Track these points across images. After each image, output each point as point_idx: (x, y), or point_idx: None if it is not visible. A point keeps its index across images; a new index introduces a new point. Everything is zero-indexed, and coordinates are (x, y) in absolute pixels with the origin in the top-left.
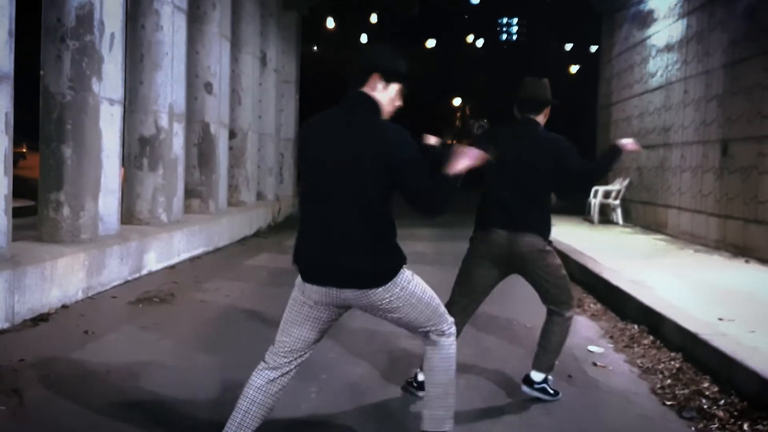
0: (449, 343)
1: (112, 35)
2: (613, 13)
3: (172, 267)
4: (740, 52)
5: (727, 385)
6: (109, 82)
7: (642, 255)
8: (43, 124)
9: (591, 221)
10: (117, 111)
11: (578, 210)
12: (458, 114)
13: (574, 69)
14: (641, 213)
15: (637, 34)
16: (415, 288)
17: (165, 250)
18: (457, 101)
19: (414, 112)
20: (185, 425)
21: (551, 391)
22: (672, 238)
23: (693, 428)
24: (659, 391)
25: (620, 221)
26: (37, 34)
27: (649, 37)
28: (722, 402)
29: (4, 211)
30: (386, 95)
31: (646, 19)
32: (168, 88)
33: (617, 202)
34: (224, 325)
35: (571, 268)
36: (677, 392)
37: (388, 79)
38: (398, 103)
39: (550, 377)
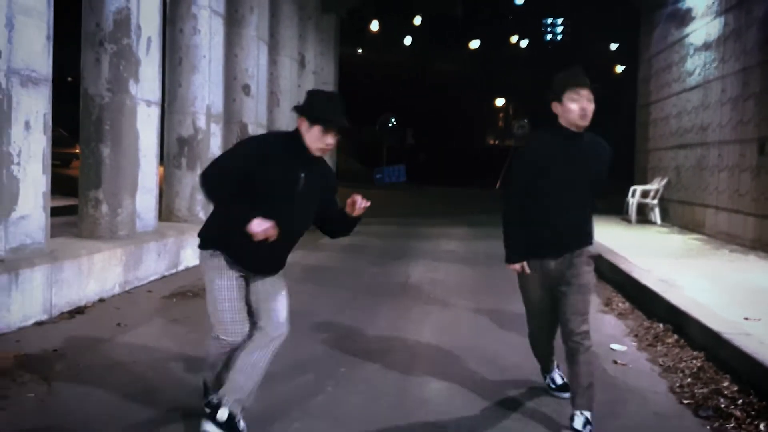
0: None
1: (149, 39)
2: (651, 11)
3: None
4: None
5: (746, 385)
6: (147, 84)
7: (675, 255)
8: (83, 124)
9: (629, 221)
10: (154, 112)
11: (617, 210)
12: (501, 114)
13: (619, 69)
14: (679, 212)
15: (674, 32)
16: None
17: None
18: (500, 101)
19: (457, 113)
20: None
21: None
22: (709, 237)
23: (708, 427)
24: (677, 390)
25: (658, 221)
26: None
27: (686, 35)
28: (740, 401)
29: (42, 208)
30: (308, 135)
31: (684, 17)
32: (205, 90)
33: (655, 201)
34: None
35: (602, 266)
36: (696, 391)
37: (311, 122)
38: (324, 142)
39: None
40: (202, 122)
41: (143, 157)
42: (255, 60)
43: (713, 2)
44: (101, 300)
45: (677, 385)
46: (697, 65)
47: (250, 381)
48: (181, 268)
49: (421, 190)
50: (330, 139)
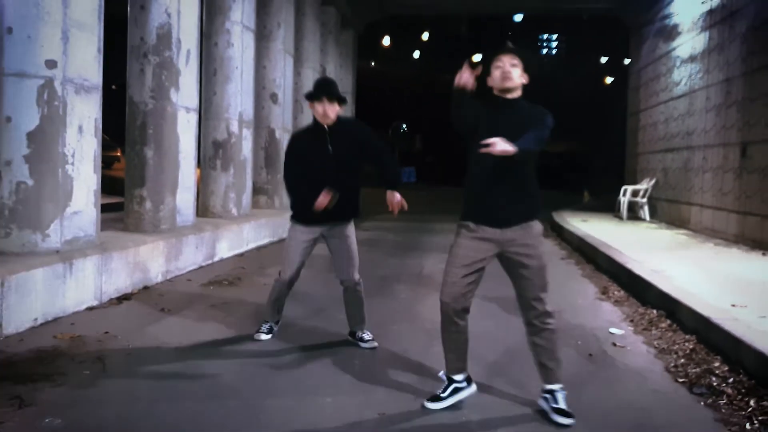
0: None
1: (188, 51)
2: (640, 27)
3: (240, 255)
4: (758, 61)
5: (736, 365)
6: (186, 92)
7: (665, 248)
8: (128, 129)
9: (620, 217)
10: (193, 118)
11: (609, 208)
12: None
13: (609, 80)
14: (666, 210)
15: (662, 46)
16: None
17: (235, 240)
18: None
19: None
20: (245, 391)
21: None
22: (694, 232)
23: (702, 403)
24: (672, 370)
25: (647, 217)
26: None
27: (673, 49)
28: (731, 380)
29: (93, 204)
30: (313, 112)
31: (671, 32)
32: (238, 98)
33: (644, 200)
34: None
35: (598, 258)
36: (689, 371)
37: (309, 101)
38: (321, 112)
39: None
40: (234, 127)
41: (183, 158)
42: (282, 71)
43: (698, 19)
44: (146, 287)
45: (672, 365)
46: (683, 76)
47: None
48: (216, 259)
49: (430, 190)
50: (323, 108)
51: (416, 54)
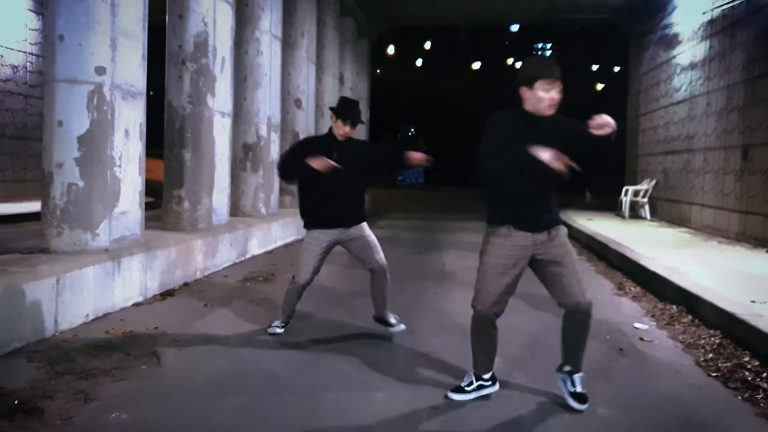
0: None
1: (223, 59)
2: (640, 37)
3: (270, 252)
4: (760, 68)
5: (766, 359)
6: (221, 98)
7: (672, 245)
8: (167, 132)
9: (622, 216)
10: (227, 122)
11: (609, 207)
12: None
13: (599, 87)
14: (666, 209)
15: (663, 54)
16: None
17: (264, 238)
18: None
19: (464, 124)
20: (299, 385)
21: None
22: (695, 231)
23: (740, 397)
24: (703, 364)
25: (648, 216)
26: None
27: (674, 57)
28: (765, 374)
29: (138, 204)
30: (334, 125)
31: (672, 41)
32: (267, 103)
33: (645, 199)
34: (316, 299)
35: (610, 256)
36: (720, 365)
37: (335, 115)
38: (343, 130)
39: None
40: (263, 131)
41: (218, 160)
42: (305, 78)
43: (699, 28)
44: (186, 284)
45: (701, 359)
46: (683, 82)
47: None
48: (248, 256)
49: (438, 190)
50: (346, 128)
51: (419, 62)
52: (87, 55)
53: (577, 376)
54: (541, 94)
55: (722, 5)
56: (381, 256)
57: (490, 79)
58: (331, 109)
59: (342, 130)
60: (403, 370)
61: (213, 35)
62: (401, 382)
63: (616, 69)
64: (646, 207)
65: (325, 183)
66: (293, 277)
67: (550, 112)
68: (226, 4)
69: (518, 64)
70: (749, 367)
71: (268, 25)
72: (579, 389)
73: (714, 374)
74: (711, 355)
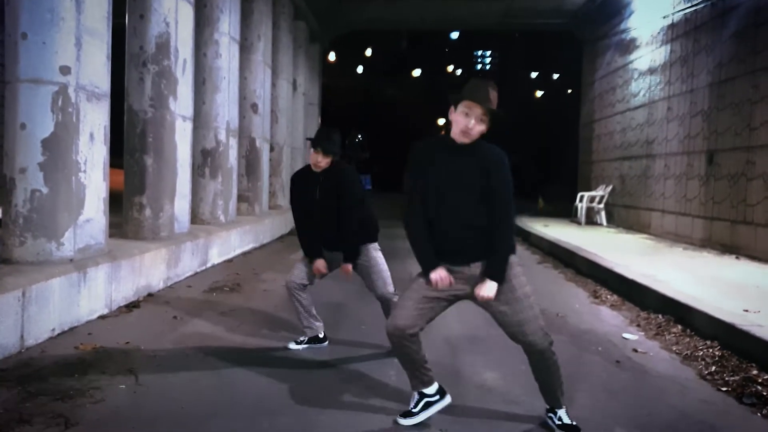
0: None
1: (185, 61)
2: (594, 42)
3: (230, 260)
4: (727, 72)
5: None
6: (183, 101)
7: (637, 252)
8: (128, 137)
9: (578, 223)
10: (188, 126)
11: (563, 213)
12: (442, 132)
13: (539, 94)
14: (623, 215)
15: (619, 59)
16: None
17: (224, 246)
18: (441, 121)
19: (405, 130)
20: (283, 400)
21: None
22: (656, 237)
23: (759, 414)
24: (708, 377)
25: (604, 222)
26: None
27: (631, 61)
28: None
29: (103, 212)
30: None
31: (629, 46)
32: (225, 107)
33: (601, 206)
34: (290, 311)
35: (578, 263)
36: (727, 378)
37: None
38: (315, 159)
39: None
40: (222, 136)
41: (180, 166)
42: (261, 82)
43: (659, 32)
44: (150, 294)
45: (705, 372)
46: (641, 87)
47: None
48: (209, 265)
49: (385, 197)
50: (316, 158)
51: (359, 68)
52: (51, 53)
53: (561, 411)
54: (458, 117)
55: (684, 9)
56: (387, 285)
57: (430, 85)
58: (308, 140)
59: (313, 159)
60: (399, 386)
61: (175, 36)
62: (397, 402)
63: (555, 76)
64: (602, 213)
65: (306, 214)
66: (286, 281)
67: (462, 139)
68: (188, 5)
69: (459, 71)
70: (760, 380)
71: (227, 27)
72: (566, 420)
73: (724, 389)
74: (714, 367)
